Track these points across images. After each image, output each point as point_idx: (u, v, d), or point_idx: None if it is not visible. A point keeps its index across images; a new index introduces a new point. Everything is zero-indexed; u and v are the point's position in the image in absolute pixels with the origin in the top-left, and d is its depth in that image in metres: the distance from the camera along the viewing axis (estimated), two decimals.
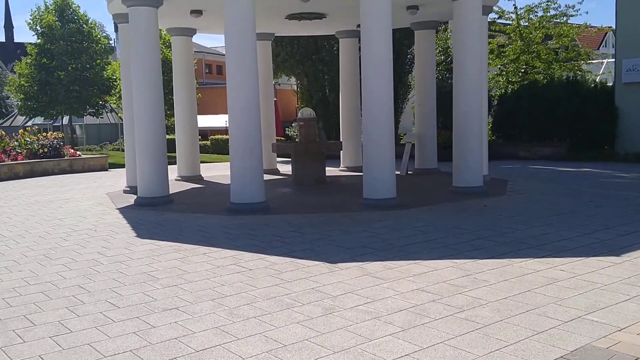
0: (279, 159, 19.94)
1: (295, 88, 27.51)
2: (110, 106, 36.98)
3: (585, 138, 19.93)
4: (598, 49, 46.82)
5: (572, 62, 24.66)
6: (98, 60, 33.08)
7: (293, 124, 41.46)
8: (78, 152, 21.19)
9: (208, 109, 44.19)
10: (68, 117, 35.68)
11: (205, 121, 43.40)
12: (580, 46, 26.07)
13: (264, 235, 8.41)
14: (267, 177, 15.74)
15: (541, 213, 9.57)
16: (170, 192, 12.91)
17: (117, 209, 11.34)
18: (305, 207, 10.80)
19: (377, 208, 10.18)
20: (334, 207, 10.65)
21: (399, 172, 15.47)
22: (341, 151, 16.45)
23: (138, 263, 7.08)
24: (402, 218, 9.39)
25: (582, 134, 19.97)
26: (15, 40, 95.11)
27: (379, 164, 10.35)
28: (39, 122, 45.82)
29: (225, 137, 37.09)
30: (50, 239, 8.68)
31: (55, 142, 20.17)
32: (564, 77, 22.36)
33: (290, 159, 14.24)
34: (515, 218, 9.19)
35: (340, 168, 17.20)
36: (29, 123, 48.91)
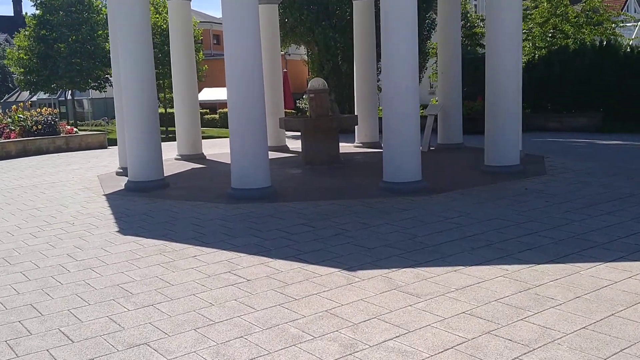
0: (288, 134, 18.54)
1: (306, 58, 25.90)
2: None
3: (621, 108, 18.31)
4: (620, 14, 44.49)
5: (602, 25, 22.86)
6: (100, 32, 31.63)
7: (304, 96, 39.97)
8: (75, 129, 19.90)
9: (217, 81, 42.60)
10: (71, 91, 34.34)
11: (214, 94, 41.96)
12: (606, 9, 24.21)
13: (268, 230, 7.06)
14: (274, 155, 14.37)
15: (595, 198, 8.12)
16: (167, 174, 11.61)
17: (104, 195, 10.03)
18: (317, 192, 9.42)
19: (400, 193, 8.79)
20: (349, 192, 9.26)
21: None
22: (356, 126, 14.99)
23: (112, 270, 5.76)
24: (430, 206, 7.99)
25: (618, 103, 18.34)
26: (23, 14, 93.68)
27: (402, 140, 8.93)
28: (44, 97, 44.71)
29: None
30: (18, 236, 7.39)
31: (50, 119, 18.86)
32: (597, 41, 20.62)
33: (300, 134, 12.85)
34: (566, 205, 7.76)
35: (354, 144, 15.75)
36: (34, 98, 47.86)
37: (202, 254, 6.18)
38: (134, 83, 9.95)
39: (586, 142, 15.33)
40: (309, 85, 12.44)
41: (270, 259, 5.88)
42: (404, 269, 5.40)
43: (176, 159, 14.25)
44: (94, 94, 41.02)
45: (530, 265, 5.39)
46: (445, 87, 14.32)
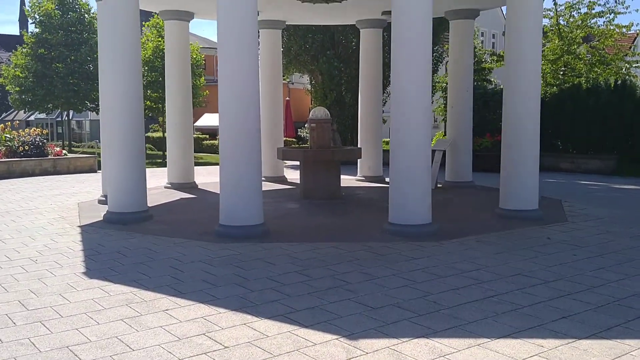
0: (287, 163, 17.71)
1: (309, 86, 25.20)
2: None
3: (637, 151, 17.50)
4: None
5: (615, 64, 22.19)
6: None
7: (305, 125, 39.29)
8: (64, 151, 19.02)
9: (217, 107, 42.07)
10: (68, 112, 33.60)
11: (215, 120, 41.26)
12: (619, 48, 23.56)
13: (255, 278, 6.09)
14: (271, 186, 13.47)
15: (628, 253, 7.18)
16: (153, 204, 10.70)
17: (80, 226, 9.07)
18: (315, 232, 8.48)
19: (407, 237, 7.85)
20: (351, 234, 8.32)
21: None
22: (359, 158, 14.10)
23: (65, 325, 4.79)
24: (443, 255, 7.03)
25: (634, 146, 17.53)
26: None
27: (411, 180, 8.02)
28: (41, 117, 44.01)
29: None
30: None
31: (38, 139, 17.99)
32: (612, 81, 19.88)
33: (299, 165, 11.95)
34: (597, 260, 6.81)
35: (357, 177, 14.86)
36: (32, 117, 47.18)
37: (176, 307, 5.21)
38: (117, 102, 9.09)
39: (603, 185, 14.43)
40: (310, 114, 11.59)
41: (255, 318, 4.91)
42: (416, 340, 4.43)
43: (166, 187, 13.34)
44: (93, 115, 40.34)
45: (569, 340, 4.43)
46: (454, 122, 13.48)
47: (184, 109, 13.31)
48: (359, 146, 14.76)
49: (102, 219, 9.41)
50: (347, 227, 8.76)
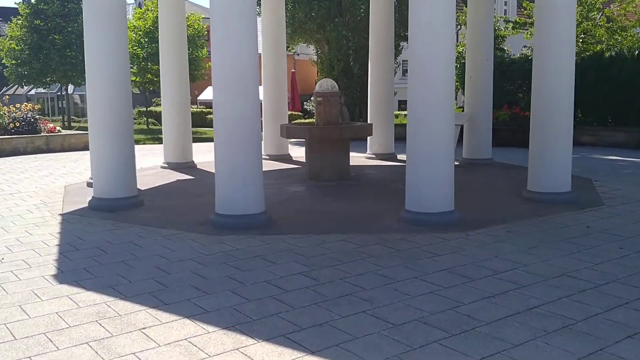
0: (293, 140, 16.71)
1: (315, 57, 24.06)
2: None
3: None
4: None
5: (630, 32, 20.97)
6: None
7: (312, 98, 38.16)
8: (58, 128, 18.10)
9: None
10: (67, 86, 32.61)
11: None
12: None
13: (253, 283, 5.19)
14: (274, 165, 12.51)
15: None
16: (147, 187, 9.86)
17: (61, 214, 8.18)
18: (322, 220, 7.55)
19: (427, 227, 6.92)
20: (363, 223, 7.39)
21: None
22: None
23: (16, 353, 3.91)
24: (471, 250, 6.10)
25: None
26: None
27: (431, 162, 7.06)
28: (42, 92, 43.04)
29: None
30: None
31: (29, 116, 17.07)
32: (634, 49, 18.67)
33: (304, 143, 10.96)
34: None
35: (366, 155, 13.88)
36: (32, 92, 46.21)
37: (156, 323, 4.32)
38: (104, 77, 8.14)
39: (630, 161, 13.41)
40: (316, 86, 10.58)
41: (251, 340, 4.01)
42: None
43: (162, 168, 12.42)
44: None
45: None
46: (473, 94, 12.43)
47: (180, 83, 12.31)
48: (368, 121, 13.77)
49: (87, 205, 8.51)
50: (358, 215, 7.83)
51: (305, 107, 32.78)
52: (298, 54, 38.39)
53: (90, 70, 8.23)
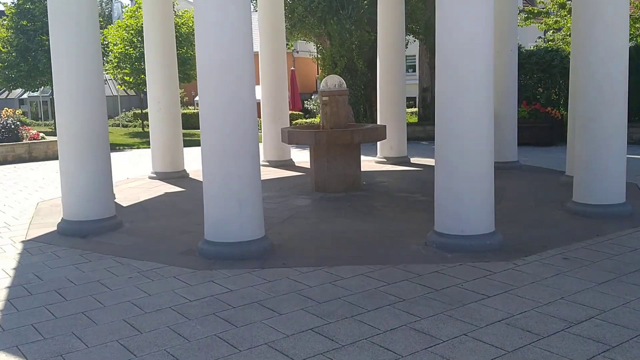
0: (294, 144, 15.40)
1: (315, 54, 22.77)
2: (106, 77, 32.74)
3: None
4: None
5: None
6: None
7: (313, 96, 36.84)
8: (41, 134, 16.82)
9: None
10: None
11: None
12: None
13: (250, 348, 3.88)
14: (275, 173, 11.23)
15: None
16: (130, 203, 8.63)
17: (23, 241, 6.90)
18: (334, 246, 6.26)
19: (464, 254, 5.65)
20: (383, 247, 6.10)
21: None
22: None
23: None
24: (526, 288, 4.80)
25: None
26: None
27: (467, 174, 5.78)
28: (35, 95, 41.79)
29: None
30: None
31: (10, 122, 15.79)
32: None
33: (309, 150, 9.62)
34: None
35: (377, 159, 12.59)
36: (25, 95, 44.93)
37: None
38: (71, 77, 6.87)
39: None
40: (321, 84, 9.29)
41: None
42: None
43: (150, 178, 11.15)
44: None
45: None
46: (497, 89, 11.07)
47: (167, 84, 11.02)
48: (378, 122, 12.49)
49: (57, 229, 7.24)
50: (376, 237, 6.54)
51: (306, 106, 31.51)
52: (297, 52, 37.12)
53: (57, 71, 6.96)
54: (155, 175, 11.07)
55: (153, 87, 10.98)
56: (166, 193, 9.69)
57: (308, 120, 28.71)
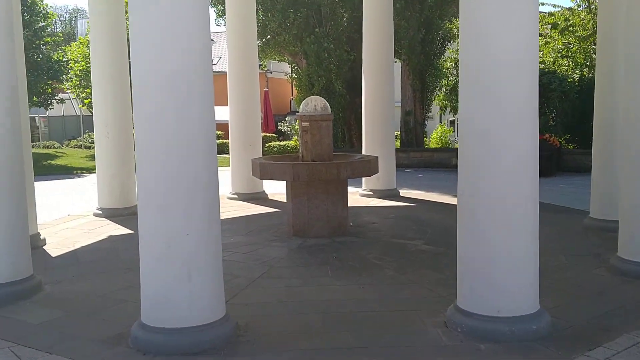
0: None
1: (290, 74, 21.28)
2: (68, 95, 30.90)
3: None
4: None
5: None
6: (47, 39, 26.87)
7: (287, 118, 35.31)
8: None
9: None
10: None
11: None
12: None
13: None
14: (245, 209, 9.52)
15: None
16: (61, 250, 7.01)
17: None
18: (321, 328, 4.59)
19: (504, 343, 4.06)
20: (388, 332, 4.45)
21: None
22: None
23: None
24: None
25: None
26: None
27: (501, 232, 4.22)
28: None
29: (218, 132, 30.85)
30: None
31: None
32: None
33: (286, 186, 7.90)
34: None
35: (361, 192, 11.01)
36: None
37: None
38: None
39: None
40: (301, 106, 7.70)
41: None
42: None
43: (95, 215, 9.37)
44: (54, 111, 35.84)
45: None
46: None
47: (119, 105, 9.26)
48: (363, 149, 10.94)
49: None
50: (378, 311, 4.90)
51: (280, 127, 29.97)
52: (271, 72, 35.63)
53: None
54: (101, 212, 9.29)
55: (100, 108, 9.25)
56: (110, 237, 7.92)
57: (282, 143, 27.19)
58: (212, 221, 4.23)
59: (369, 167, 7.42)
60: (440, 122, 31.23)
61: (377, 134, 10.76)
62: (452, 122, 33.67)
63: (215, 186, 4.30)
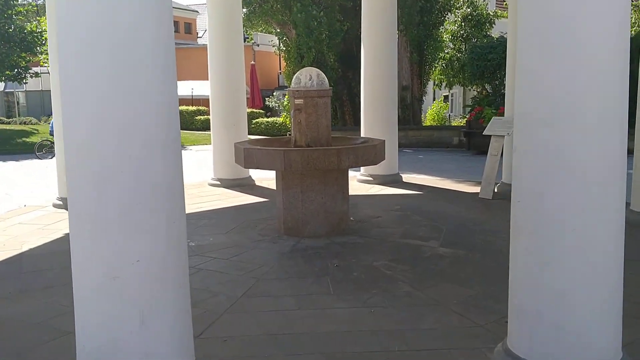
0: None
1: (278, 44, 19.91)
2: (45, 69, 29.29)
3: None
4: None
5: None
6: (19, 8, 25.23)
7: (275, 93, 33.90)
8: None
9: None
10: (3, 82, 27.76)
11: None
12: None
13: None
14: (227, 199, 8.21)
15: None
16: (6, 254, 5.68)
17: None
18: None
19: None
20: None
21: (479, 193, 8.29)
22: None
23: None
24: None
25: None
26: None
27: (580, 260, 3.04)
28: None
29: (190, 108, 29.49)
30: None
31: None
32: None
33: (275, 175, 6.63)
34: None
35: (360, 176, 9.82)
36: None
37: None
38: None
39: None
40: (293, 80, 6.45)
41: None
42: None
43: (55, 206, 8.15)
44: (34, 84, 34.12)
45: None
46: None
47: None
48: (362, 129, 9.73)
49: None
50: (396, 355, 3.74)
51: (267, 103, 28.62)
52: (258, 44, 34.11)
53: None
54: (61, 203, 8.06)
55: (56, 100, 7.93)
56: (66, 235, 6.67)
57: (270, 120, 25.84)
58: (174, 240, 3.02)
59: (375, 153, 6.21)
60: (434, 98, 29.99)
61: (378, 112, 9.54)
62: (445, 98, 32.48)
63: (179, 191, 3.08)
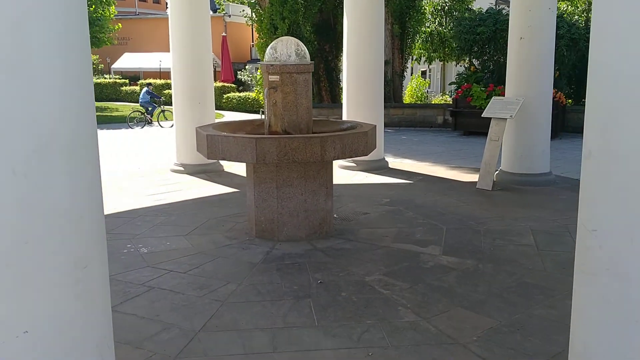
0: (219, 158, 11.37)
1: (251, 14, 18.62)
2: None
3: None
4: None
5: None
6: None
7: (247, 66, 32.46)
8: None
9: (141, 45, 34.79)
10: None
11: (136, 61, 34.17)
12: None
13: None
14: (191, 190, 6.92)
15: None
16: None
17: None
18: None
19: None
20: None
21: (477, 184, 7.36)
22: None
23: None
24: None
25: None
26: None
27: None
28: None
29: (160, 81, 28.10)
30: None
31: None
32: None
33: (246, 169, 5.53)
34: None
35: (342, 162, 8.80)
36: None
37: None
38: None
39: None
40: (267, 53, 5.38)
41: None
42: None
43: (173, 171, 6.95)
44: None
45: None
46: (524, 68, 7.52)
47: None
48: (344, 109, 8.70)
49: None
50: None
51: (239, 77, 27.34)
52: (229, 15, 32.64)
53: None
54: (182, 169, 6.95)
55: None
56: None
57: (242, 95, 24.59)
58: (86, 296, 1.98)
59: (366, 141, 5.17)
60: (412, 74, 28.96)
61: (362, 92, 8.51)
62: (423, 73, 31.47)
63: (98, 217, 2.04)
